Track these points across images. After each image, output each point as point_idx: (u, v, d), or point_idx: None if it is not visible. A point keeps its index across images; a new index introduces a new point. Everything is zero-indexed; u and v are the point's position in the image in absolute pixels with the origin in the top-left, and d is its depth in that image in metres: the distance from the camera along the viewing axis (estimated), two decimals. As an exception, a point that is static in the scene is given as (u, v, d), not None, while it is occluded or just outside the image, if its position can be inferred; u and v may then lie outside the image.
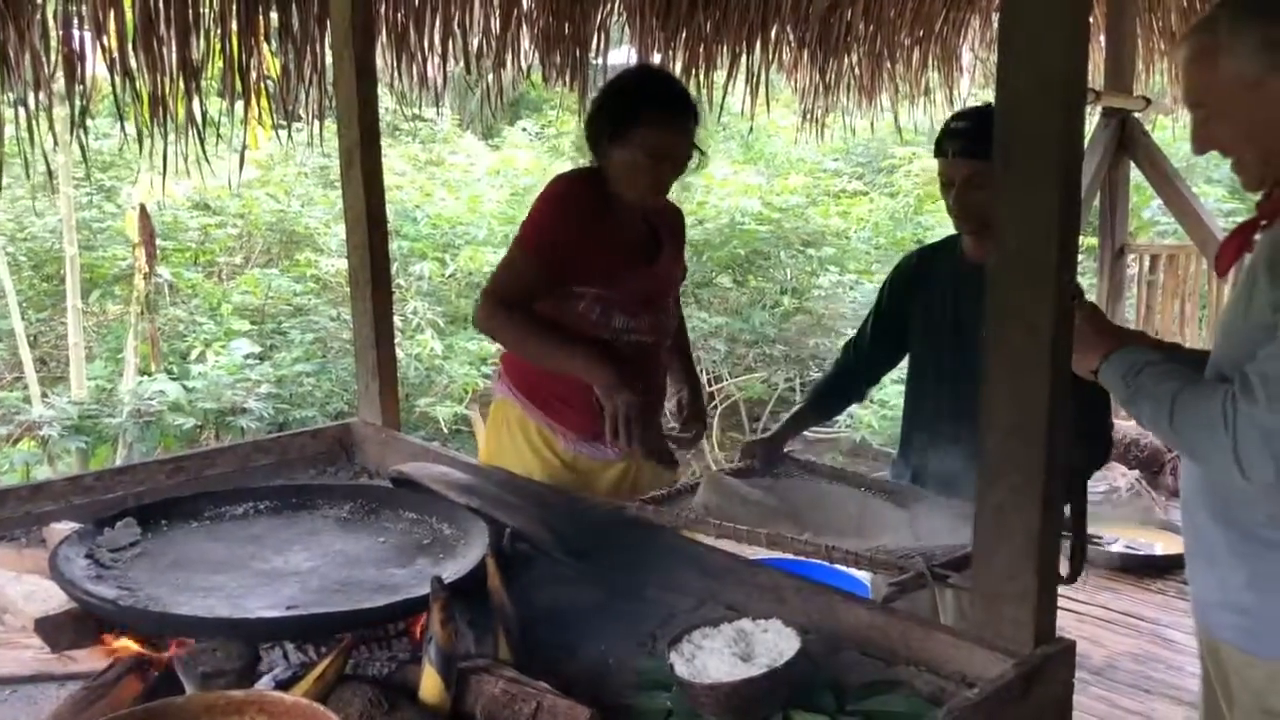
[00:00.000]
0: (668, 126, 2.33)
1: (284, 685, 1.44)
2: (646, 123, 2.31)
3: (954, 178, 2.32)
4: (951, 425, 2.22)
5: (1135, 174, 5.47)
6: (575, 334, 2.40)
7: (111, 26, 2.91)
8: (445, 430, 6.17)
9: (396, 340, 5.21)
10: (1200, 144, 1.65)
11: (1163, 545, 4.36)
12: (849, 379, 2.70)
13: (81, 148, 3.13)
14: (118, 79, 2.97)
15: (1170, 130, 7.36)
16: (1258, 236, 1.62)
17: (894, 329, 2.58)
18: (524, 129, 9.59)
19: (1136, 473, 4.94)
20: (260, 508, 2.03)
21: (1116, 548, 4.39)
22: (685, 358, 2.73)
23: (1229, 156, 1.63)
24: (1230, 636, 1.66)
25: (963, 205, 2.33)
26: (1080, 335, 1.66)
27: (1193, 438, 1.52)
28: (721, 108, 4.67)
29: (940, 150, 2.36)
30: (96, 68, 3.04)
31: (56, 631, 1.64)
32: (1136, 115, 5.22)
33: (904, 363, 2.68)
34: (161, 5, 2.98)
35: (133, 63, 2.99)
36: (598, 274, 2.39)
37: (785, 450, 2.43)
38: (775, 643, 1.50)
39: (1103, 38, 5.32)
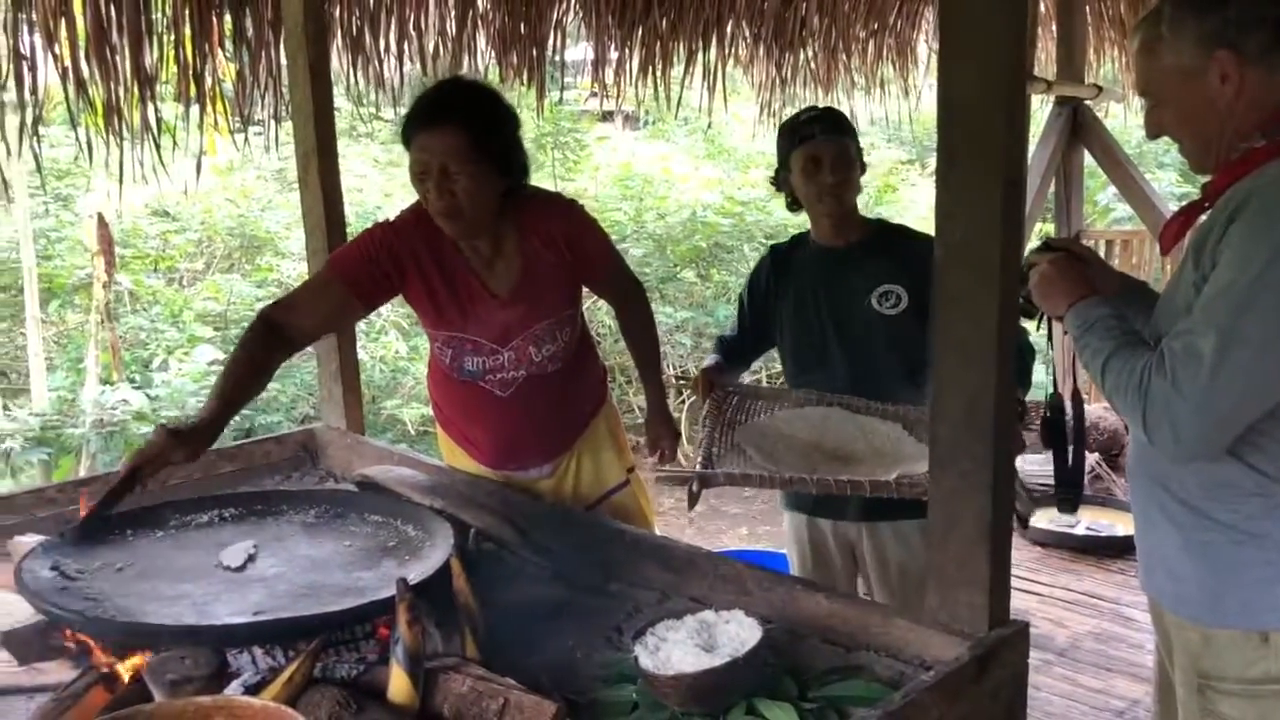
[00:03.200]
0: (424, 141, 2.06)
1: (252, 690, 1.46)
2: (411, 144, 2.09)
3: (823, 156, 2.41)
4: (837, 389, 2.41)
5: (1090, 161, 5.54)
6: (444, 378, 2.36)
7: (63, 34, 2.89)
8: (412, 432, 6.15)
9: (361, 342, 5.21)
10: (1151, 129, 1.73)
11: (1123, 526, 4.42)
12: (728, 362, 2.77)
13: (35, 157, 3.10)
14: (70, 88, 2.95)
15: (1122, 118, 7.46)
16: (1202, 219, 1.68)
17: (762, 325, 2.67)
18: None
19: (1097, 455, 5.02)
20: (225, 515, 2.04)
21: (1078, 530, 4.46)
22: (649, 371, 2.62)
23: (1176, 141, 1.70)
24: (1167, 601, 1.71)
25: (838, 182, 2.42)
26: (1049, 281, 1.76)
27: (1117, 397, 1.61)
28: (680, 103, 4.69)
29: (803, 136, 2.43)
30: (48, 76, 3.01)
31: (24, 645, 1.65)
32: (1088, 103, 5.28)
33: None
34: (114, 13, 2.96)
35: (85, 71, 2.96)
36: (433, 318, 2.27)
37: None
38: (737, 633, 1.54)
39: (1054, 28, 5.39)
